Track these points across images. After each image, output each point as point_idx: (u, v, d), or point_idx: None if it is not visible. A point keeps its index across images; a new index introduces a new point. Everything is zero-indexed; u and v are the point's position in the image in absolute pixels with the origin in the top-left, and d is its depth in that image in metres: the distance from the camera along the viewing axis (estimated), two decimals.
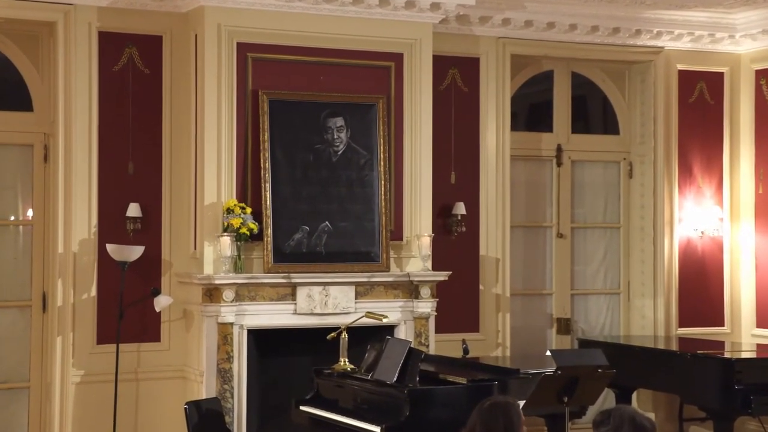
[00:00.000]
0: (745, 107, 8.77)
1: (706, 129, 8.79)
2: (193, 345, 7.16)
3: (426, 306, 7.35)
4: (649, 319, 8.67)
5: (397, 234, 7.44)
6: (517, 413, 3.40)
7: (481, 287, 8.10)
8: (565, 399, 5.66)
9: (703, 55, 8.79)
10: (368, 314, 6.57)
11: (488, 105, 8.12)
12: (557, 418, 6.30)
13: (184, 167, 7.27)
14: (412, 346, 6.06)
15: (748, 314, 8.72)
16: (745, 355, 7.64)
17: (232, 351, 6.88)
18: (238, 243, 6.91)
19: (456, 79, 8.08)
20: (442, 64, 7.87)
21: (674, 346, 7.99)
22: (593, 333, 8.72)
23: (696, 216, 8.73)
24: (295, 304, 7.07)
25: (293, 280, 7.05)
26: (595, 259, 8.85)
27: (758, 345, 8.11)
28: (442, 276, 7.44)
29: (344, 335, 6.29)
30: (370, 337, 6.72)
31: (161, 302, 7.07)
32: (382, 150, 7.36)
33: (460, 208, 7.93)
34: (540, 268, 8.65)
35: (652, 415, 8.45)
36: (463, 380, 5.84)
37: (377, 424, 5.62)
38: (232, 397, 6.86)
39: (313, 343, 6.89)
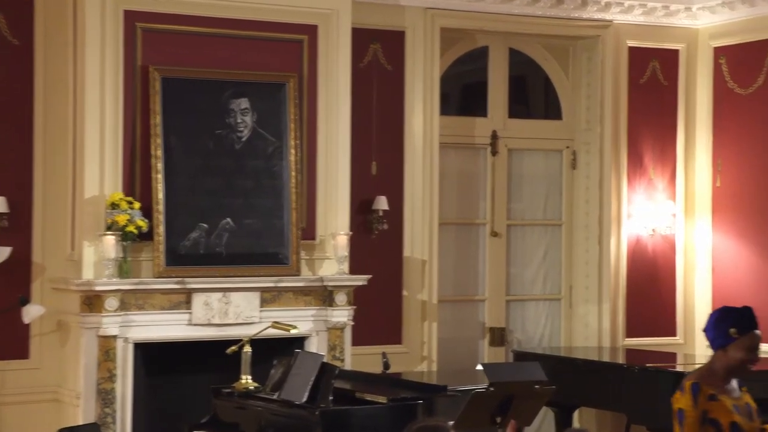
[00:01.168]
0: (703, 89, 8.90)
1: (659, 113, 8.93)
2: (68, 362, 7.08)
3: (341, 315, 7.38)
4: (594, 329, 8.78)
5: (309, 232, 7.44)
6: None
7: (404, 293, 8.13)
8: (498, 419, 5.71)
9: (656, 30, 8.91)
10: (275, 324, 6.59)
11: (414, 85, 8.16)
12: None
13: (60, 155, 7.19)
14: (325, 360, 6.11)
15: (704, 323, 8.85)
16: None
17: (115, 369, 6.83)
18: (124, 243, 6.87)
19: (378, 56, 8.10)
20: (362, 37, 7.88)
21: (621, 359, 8.11)
22: (531, 344, 8.82)
23: (647, 212, 8.85)
24: (191, 313, 7.06)
25: (188, 286, 7.03)
26: (534, 261, 8.94)
27: None
28: (361, 280, 7.47)
29: (247, 349, 6.31)
30: (277, 350, 6.72)
31: (31, 312, 6.99)
32: (293, 136, 7.35)
33: (382, 203, 7.96)
34: (471, 272, 8.71)
35: None
36: (383, 399, 5.91)
37: None
38: (115, 423, 6.82)
39: (210, 358, 6.89)
